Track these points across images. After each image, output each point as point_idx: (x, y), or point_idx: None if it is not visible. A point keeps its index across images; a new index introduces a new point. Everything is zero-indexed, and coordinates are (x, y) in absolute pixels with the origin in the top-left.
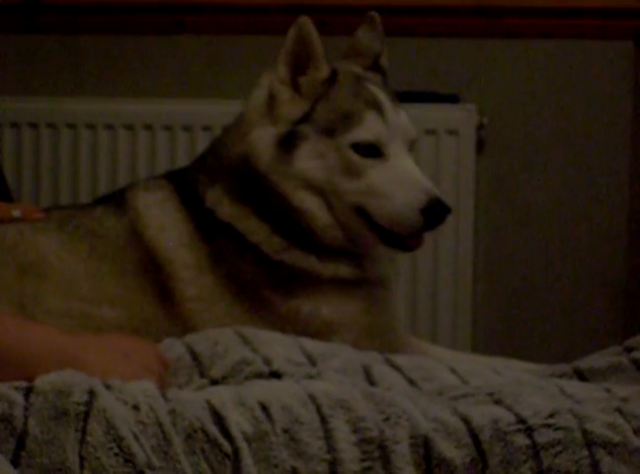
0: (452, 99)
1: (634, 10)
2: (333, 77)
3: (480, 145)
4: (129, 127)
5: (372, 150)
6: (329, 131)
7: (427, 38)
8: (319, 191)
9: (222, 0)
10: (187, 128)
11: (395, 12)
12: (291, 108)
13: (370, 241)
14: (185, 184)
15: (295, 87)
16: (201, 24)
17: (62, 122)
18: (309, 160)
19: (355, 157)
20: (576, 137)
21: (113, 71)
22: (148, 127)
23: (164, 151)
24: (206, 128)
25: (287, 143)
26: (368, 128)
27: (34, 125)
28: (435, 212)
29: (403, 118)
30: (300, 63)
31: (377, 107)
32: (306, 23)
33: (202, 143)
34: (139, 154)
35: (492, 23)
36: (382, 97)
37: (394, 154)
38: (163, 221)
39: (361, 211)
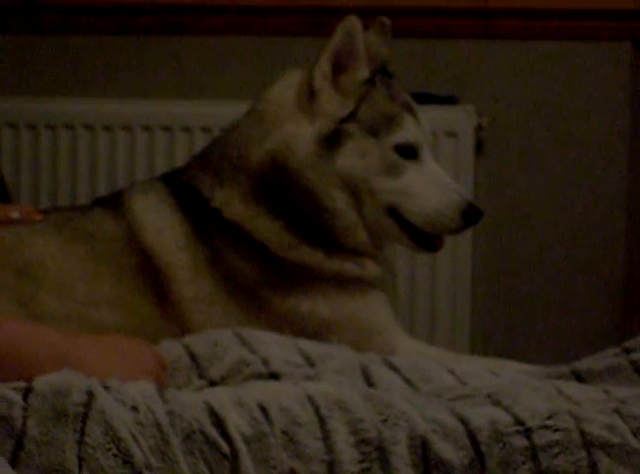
0: (451, 100)
1: (632, 11)
2: (372, 78)
3: (479, 147)
4: (128, 128)
5: (409, 152)
6: (373, 131)
7: (425, 39)
8: (353, 189)
9: (221, 1)
10: (186, 129)
11: (393, 13)
12: (336, 105)
13: (397, 240)
14: (182, 185)
15: (334, 85)
16: (201, 25)
17: (61, 123)
18: (351, 158)
19: (395, 157)
20: (574, 139)
21: (111, 72)
22: (147, 128)
23: (163, 152)
24: (205, 129)
25: (331, 141)
26: (409, 130)
27: (32, 126)
28: (471, 215)
29: (425, 121)
30: (341, 62)
31: (411, 110)
32: (355, 22)
33: (201, 144)
34: (138, 155)
35: (490, 24)
36: (411, 101)
37: (426, 156)
38: (160, 224)
39: (392, 211)
